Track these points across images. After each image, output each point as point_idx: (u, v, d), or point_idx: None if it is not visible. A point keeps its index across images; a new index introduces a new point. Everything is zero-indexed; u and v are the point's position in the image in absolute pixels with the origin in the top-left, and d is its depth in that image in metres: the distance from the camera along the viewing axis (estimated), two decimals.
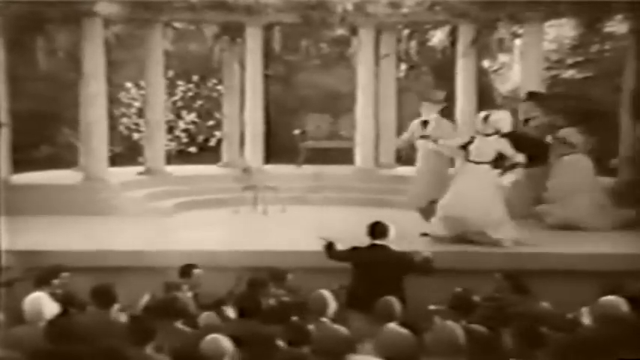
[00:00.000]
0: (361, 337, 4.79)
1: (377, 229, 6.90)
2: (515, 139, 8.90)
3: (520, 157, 8.78)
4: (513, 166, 8.82)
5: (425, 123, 10.00)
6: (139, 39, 12.48)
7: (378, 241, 6.84)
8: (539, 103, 10.53)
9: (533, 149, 9.13)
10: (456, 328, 4.48)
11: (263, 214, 10.91)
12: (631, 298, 5.23)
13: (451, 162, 10.25)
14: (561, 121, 10.19)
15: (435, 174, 9.85)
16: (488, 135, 8.77)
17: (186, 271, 6.76)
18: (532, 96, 10.74)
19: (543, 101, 10.59)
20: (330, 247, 7.10)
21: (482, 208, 8.65)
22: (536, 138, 10.04)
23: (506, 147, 8.74)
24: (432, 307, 6.12)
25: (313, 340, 4.68)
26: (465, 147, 8.90)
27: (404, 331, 4.53)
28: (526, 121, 10.62)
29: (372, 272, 6.64)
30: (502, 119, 8.84)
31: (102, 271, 7.25)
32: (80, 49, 11.11)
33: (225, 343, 4.45)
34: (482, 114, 9.00)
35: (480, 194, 8.66)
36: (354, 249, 6.96)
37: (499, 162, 8.83)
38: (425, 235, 9.04)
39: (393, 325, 4.72)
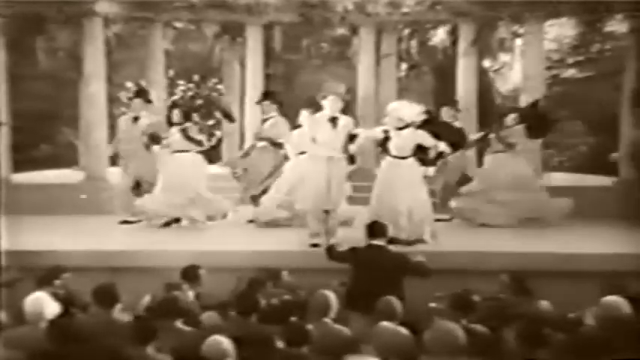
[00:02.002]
0: (361, 337, 4.78)
1: (375, 229, 6.88)
2: (433, 127, 8.63)
3: (443, 146, 8.52)
4: (439, 155, 8.64)
5: (334, 120, 8.39)
6: (140, 38, 12.49)
7: (375, 241, 6.80)
8: None
9: (451, 136, 8.89)
10: (455, 327, 4.48)
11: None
12: (633, 298, 5.23)
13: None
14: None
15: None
16: (400, 129, 8.45)
17: (189, 272, 6.72)
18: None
19: None
20: (330, 248, 7.10)
21: (412, 205, 8.35)
22: (452, 125, 9.84)
23: (425, 138, 8.44)
24: (431, 305, 6.11)
25: (313, 340, 4.68)
26: (382, 143, 8.57)
27: (402, 330, 4.54)
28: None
29: (371, 272, 6.55)
30: (398, 109, 8.52)
31: (103, 271, 7.24)
32: (80, 49, 11.12)
33: (227, 344, 4.45)
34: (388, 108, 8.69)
35: (409, 191, 8.35)
36: (353, 249, 6.93)
37: (421, 154, 8.59)
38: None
39: (389, 324, 4.72)
